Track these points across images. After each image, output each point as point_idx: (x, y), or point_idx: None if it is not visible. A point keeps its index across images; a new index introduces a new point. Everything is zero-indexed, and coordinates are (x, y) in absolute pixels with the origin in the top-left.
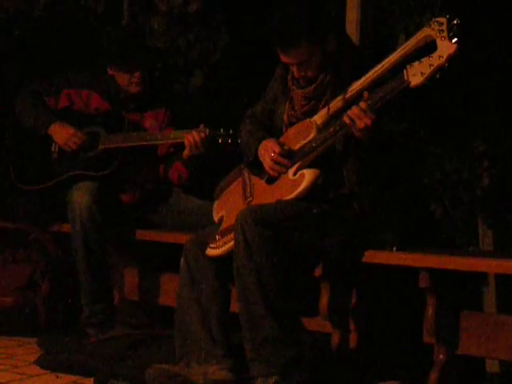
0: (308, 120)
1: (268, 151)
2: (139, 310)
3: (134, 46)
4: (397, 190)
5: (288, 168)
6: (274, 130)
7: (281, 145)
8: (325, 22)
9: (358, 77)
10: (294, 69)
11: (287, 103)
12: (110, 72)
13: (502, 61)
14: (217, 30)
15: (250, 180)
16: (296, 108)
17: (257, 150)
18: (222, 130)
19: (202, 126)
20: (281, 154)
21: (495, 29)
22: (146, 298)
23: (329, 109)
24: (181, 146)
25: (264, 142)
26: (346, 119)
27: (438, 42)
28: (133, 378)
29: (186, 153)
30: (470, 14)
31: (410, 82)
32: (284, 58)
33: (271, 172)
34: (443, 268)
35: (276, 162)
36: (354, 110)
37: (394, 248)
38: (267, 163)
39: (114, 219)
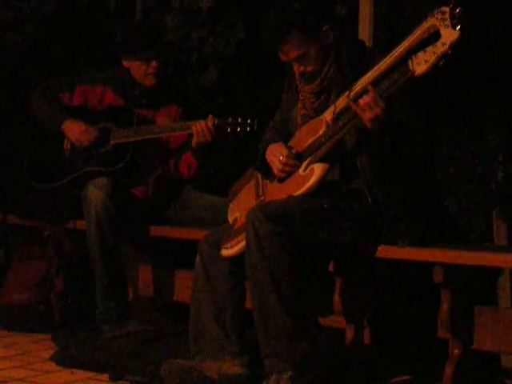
0: (318, 117)
1: (276, 155)
2: (153, 306)
3: (150, 34)
4: (410, 185)
5: (298, 168)
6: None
7: (289, 148)
8: (317, 13)
9: (360, 68)
10: (294, 65)
11: (298, 104)
12: (126, 64)
13: None
14: (232, 25)
15: (262, 179)
16: (307, 106)
17: (264, 151)
18: (230, 119)
19: (210, 116)
20: (289, 157)
21: (507, 17)
22: (161, 295)
23: (335, 107)
24: (191, 138)
25: (271, 146)
26: (357, 109)
27: (442, 31)
28: (148, 373)
29: (194, 141)
30: (485, 6)
31: (414, 71)
32: (282, 57)
33: (280, 175)
34: (458, 263)
35: (285, 165)
36: (364, 99)
37: (404, 243)
38: (276, 167)
39: (128, 215)
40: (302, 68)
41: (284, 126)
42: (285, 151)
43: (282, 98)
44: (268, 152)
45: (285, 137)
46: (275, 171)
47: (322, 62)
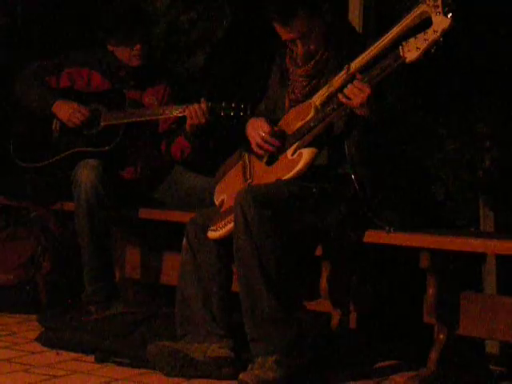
0: (307, 101)
1: (257, 129)
2: (141, 288)
3: (132, 18)
4: (398, 170)
5: (281, 148)
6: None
7: (272, 125)
8: None
9: (356, 54)
10: (298, 43)
11: (288, 89)
12: (110, 48)
13: (507, 42)
14: (220, 9)
15: (249, 162)
16: (297, 91)
17: (244, 127)
18: (224, 103)
19: (203, 99)
20: (271, 134)
21: (502, 10)
22: (148, 277)
23: (330, 86)
24: (183, 122)
25: (252, 120)
26: (341, 97)
27: (433, 18)
28: (134, 355)
29: (188, 123)
30: None
31: (405, 58)
32: (285, 35)
33: (258, 150)
34: (444, 248)
35: (265, 141)
36: (348, 88)
37: (391, 229)
38: (254, 140)
39: (117, 196)
40: (306, 47)
41: (270, 113)
42: (266, 127)
43: (269, 86)
44: (248, 125)
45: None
46: (253, 146)
47: (324, 42)
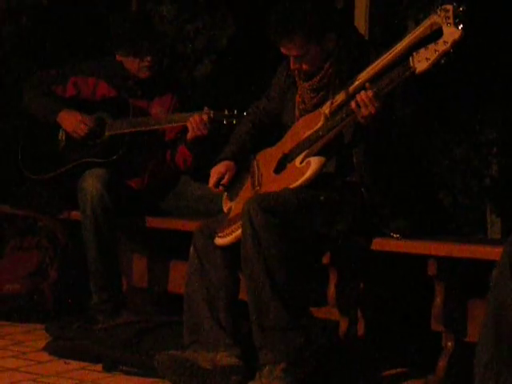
0: (317, 110)
1: (212, 177)
2: (148, 297)
3: (143, 30)
4: (405, 178)
5: (290, 157)
6: (273, 129)
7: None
8: (324, 19)
9: (360, 66)
10: (291, 60)
11: (297, 98)
12: (119, 58)
13: None
14: (222, 19)
15: (258, 170)
16: (306, 101)
17: (222, 160)
18: (226, 111)
19: (205, 108)
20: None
21: (507, 16)
22: (155, 285)
23: (332, 102)
24: (187, 130)
25: (219, 165)
26: (352, 104)
27: (444, 29)
28: (141, 364)
29: (189, 135)
30: (482, 2)
31: (415, 69)
32: (282, 50)
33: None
34: (452, 256)
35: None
36: (361, 96)
37: (399, 237)
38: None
39: (124, 206)
40: (297, 65)
41: (267, 115)
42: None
43: (272, 86)
44: (216, 167)
45: (262, 128)
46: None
47: (319, 64)
